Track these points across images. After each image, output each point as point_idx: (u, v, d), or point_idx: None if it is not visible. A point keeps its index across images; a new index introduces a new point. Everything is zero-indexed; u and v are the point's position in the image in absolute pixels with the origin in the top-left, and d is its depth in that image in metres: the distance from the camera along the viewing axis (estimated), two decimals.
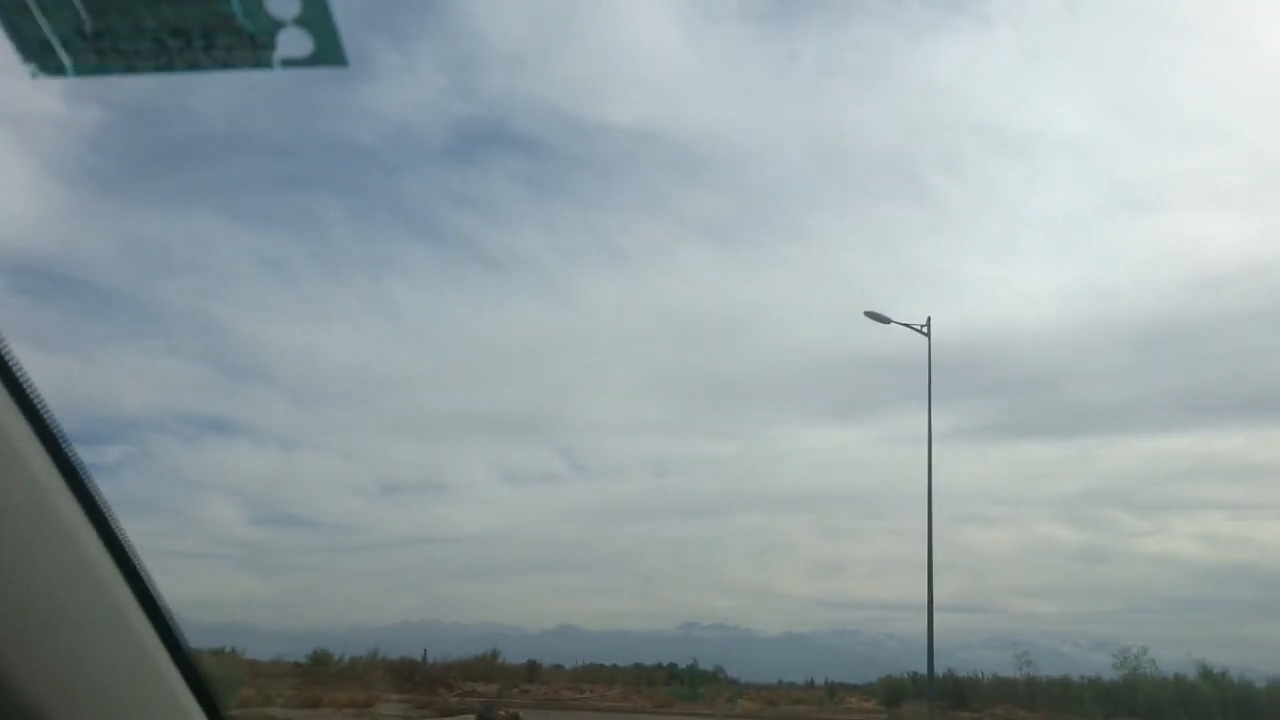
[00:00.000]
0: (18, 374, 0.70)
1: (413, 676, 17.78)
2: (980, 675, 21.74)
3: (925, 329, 17.57)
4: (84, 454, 0.75)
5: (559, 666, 28.31)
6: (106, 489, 0.79)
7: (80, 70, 0.43)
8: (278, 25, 0.42)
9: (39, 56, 0.42)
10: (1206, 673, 18.44)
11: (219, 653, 19.35)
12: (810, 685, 30.64)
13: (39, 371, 0.72)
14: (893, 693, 22.90)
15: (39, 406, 0.72)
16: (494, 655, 24.02)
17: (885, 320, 17.55)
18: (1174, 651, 19.73)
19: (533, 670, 25.15)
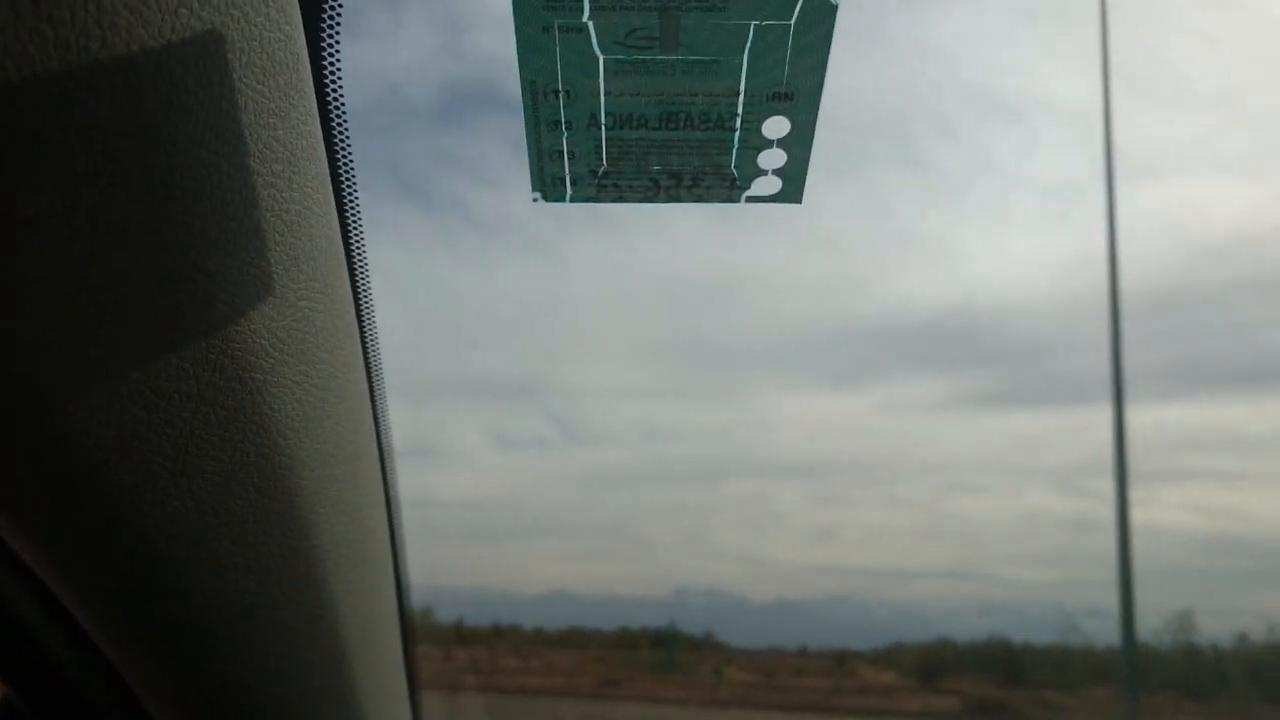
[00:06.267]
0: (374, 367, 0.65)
1: None
2: (1048, 645, 16.41)
3: None
4: None
5: (540, 630, 24.08)
6: None
7: (575, 199, 0.47)
8: (760, 174, 0.46)
9: (549, 189, 0.45)
10: None
11: None
12: (804, 652, 26.35)
13: None
14: (925, 666, 18.16)
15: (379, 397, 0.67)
16: (427, 612, 19.05)
17: None
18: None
19: (499, 633, 20.89)
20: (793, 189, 0.48)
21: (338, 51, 0.47)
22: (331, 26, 0.46)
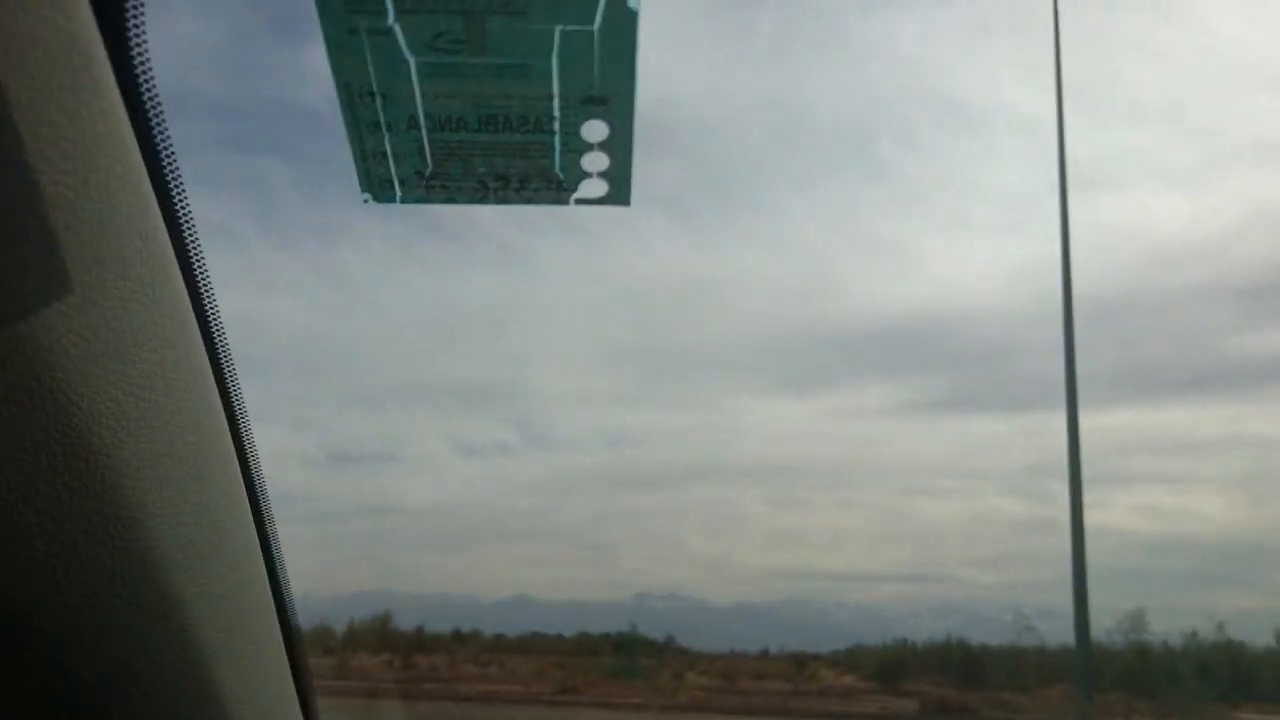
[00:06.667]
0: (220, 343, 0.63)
1: None
2: (999, 646, 16.52)
3: None
4: None
5: (501, 636, 24.07)
6: None
7: (406, 200, 0.49)
8: (586, 176, 0.47)
9: (377, 190, 0.48)
10: None
11: None
12: (765, 655, 26.49)
13: None
14: (885, 668, 18.24)
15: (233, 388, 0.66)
16: (386, 618, 18.84)
17: None
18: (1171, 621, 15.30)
19: (460, 639, 20.72)
20: (619, 191, 0.48)
21: (145, 50, 0.46)
22: (135, 27, 0.45)
